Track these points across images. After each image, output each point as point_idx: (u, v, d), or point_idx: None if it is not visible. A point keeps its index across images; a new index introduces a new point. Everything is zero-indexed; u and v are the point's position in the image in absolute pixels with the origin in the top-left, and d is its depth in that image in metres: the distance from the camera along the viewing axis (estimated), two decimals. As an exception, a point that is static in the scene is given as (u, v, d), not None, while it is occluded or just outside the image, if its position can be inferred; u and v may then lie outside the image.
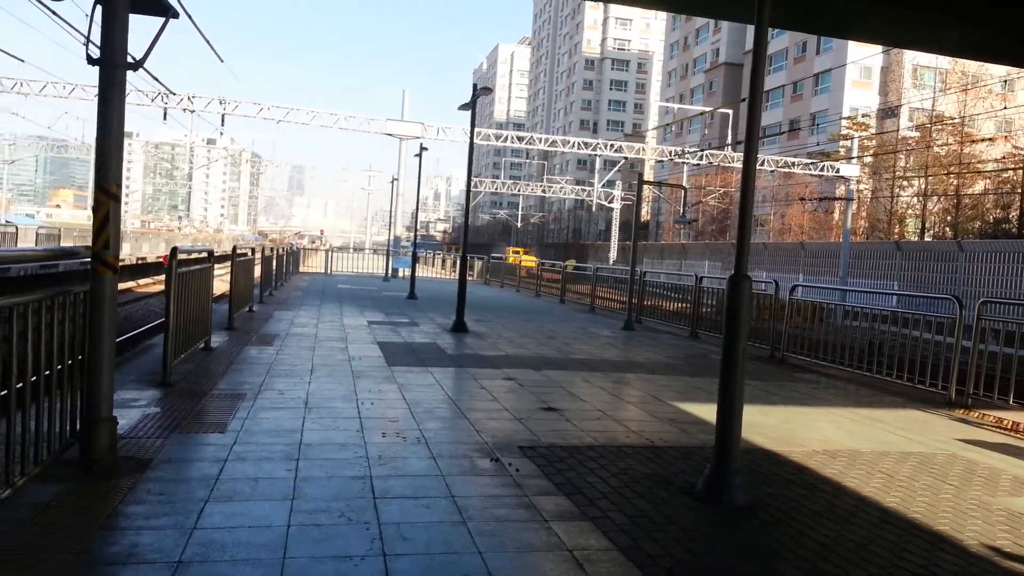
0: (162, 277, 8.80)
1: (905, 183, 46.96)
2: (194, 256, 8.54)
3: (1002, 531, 4.28)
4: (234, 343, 9.63)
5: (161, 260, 37.50)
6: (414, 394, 7.10)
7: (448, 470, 4.76)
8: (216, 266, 9.30)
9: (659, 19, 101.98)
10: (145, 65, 4.93)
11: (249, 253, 14.25)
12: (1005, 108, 37.38)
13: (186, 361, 7.76)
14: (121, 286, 26.77)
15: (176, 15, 4.98)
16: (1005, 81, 44.61)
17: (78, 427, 4.49)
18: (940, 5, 9.18)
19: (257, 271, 15.44)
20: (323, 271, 31.94)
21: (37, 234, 36.12)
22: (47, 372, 4.05)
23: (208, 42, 15.29)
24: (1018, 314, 11.27)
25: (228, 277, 11.70)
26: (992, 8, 9.27)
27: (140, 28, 5.24)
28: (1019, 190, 40.61)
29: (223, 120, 33.72)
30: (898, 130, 47.55)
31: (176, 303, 6.97)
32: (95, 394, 4.39)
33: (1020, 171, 40.57)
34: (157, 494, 4.02)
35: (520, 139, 43.13)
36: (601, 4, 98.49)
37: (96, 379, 4.39)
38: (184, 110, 33.21)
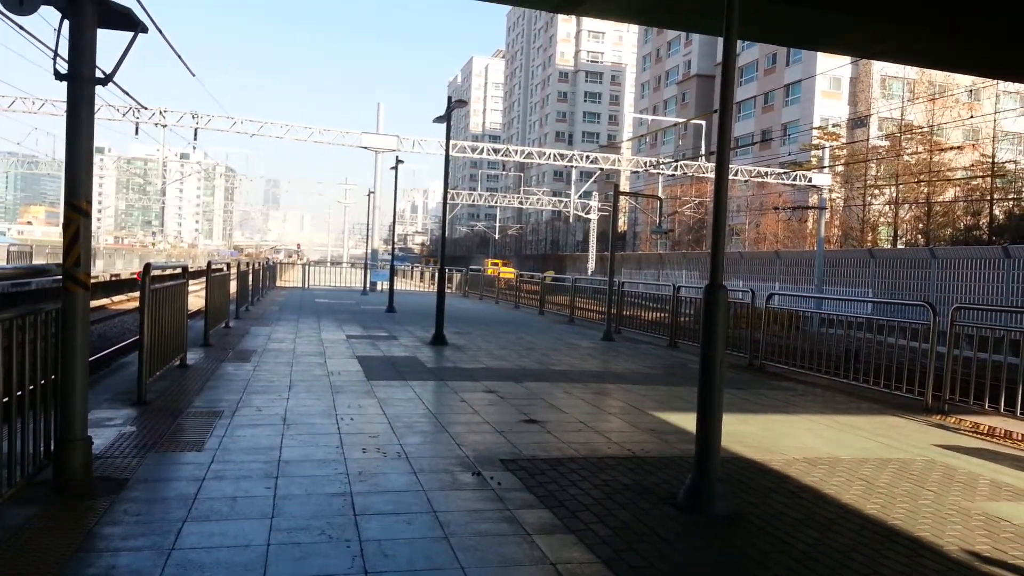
0: (136, 294, 8.71)
1: (877, 191, 47.65)
2: (168, 272, 8.46)
3: (981, 536, 4.32)
4: (210, 360, 9.52)
5: (135, 276, 37.07)
6: (394, 409, 7.05)
7: (429, 485, 4.72)
8: (191, 282, 9.21)
9: (631, 32, 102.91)
10: (115, 79, 4.89)
11: (224, 268, 14.12)
12: (972, 117, 38.15)
13: (162, 379, 7.66)
14: (95, 303, 26.42)
15: (145, 30, 4.93)
16: (971, 91, 45.48)
17: (52, 448, 4.41)
18: (907, 19, 9.37)
19: (233, 286, 15.30)
20: (300, 285, 31.73)
21: (8, 251, 35.58)
22: (19, 392, 3.97)
23: (179, 56, 15.20)
24: (991, 319, 11.48)
25: (203, 293, 11.58)
26: (956, 22, 9.47)
27: (110, 42, 5.19)
28: (988, 197, 41.37)
29: (196, 134, 33.46)
30: (868, 139, 48.28)
31: (150, 320, 6.88)
32: (69, 414, 4.31)
33: (988, 178, 41.33)
34: (134, 514, 3.95)
35: (496, 151, 43.23)
36: (574, 17, 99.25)
37: (70, 399, 4.32)
38: (156, 124, 32.94)
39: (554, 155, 43.54)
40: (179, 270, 9.16)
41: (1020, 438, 7.05)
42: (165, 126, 33.13)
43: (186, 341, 9.00)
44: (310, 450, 5.40)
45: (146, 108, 31.15)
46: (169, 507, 4.09)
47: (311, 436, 5.81)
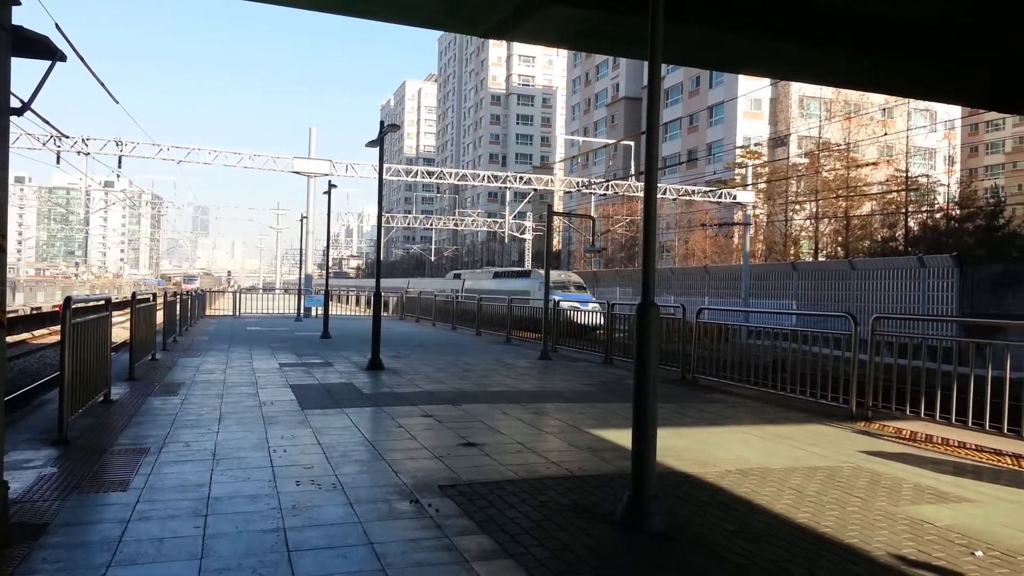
0: (58, 327, 8.38)
1: (798, 207, 49.35)
2: (91, 304, 8.17)
3: (906, 540, 4.48)
4: (136, 394, 9.20)
5: (57, 310, 35.64)
6: (329, 438, 6.93)
7: (366, 516, 4.65)
8: (116, 313, 8.90)
9: (561, 56, 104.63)
10: (34, 108, 4.72)
11: (151, 298, 13.68)
12: (886, 134, 39.88)
13: (84, 416, 7.36)
14: (15, 338, 25.28)
15: (64, 58, 4.79)
16: (884, 109, 47.64)
17: (-38, 495, 4.18)
18: (820, 42, 9.78)
19: (160, 316, 14.84)
20: (232, 313, 30.96)
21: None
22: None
23: (102, 83, 14.79)
24: (909, 328, 11.95)
25: (128, 324, 11.20)
26: (868, 44, 9.94)
27: (29, 68, 5.02)
28: (903, 210, 43.26)
29: (120, 162, 32.42)
30: (788, 157, 50.03)
31: (72, 355, 6.61)
32: (-19, 459, 4.10)
33: (903, 192, 43.24)
34: (54, 561, 3.77)
35: (430, 174, 43.21)
36: (504, 42, 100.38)
37: (-18, 443, 4.11)
38: (79, 153, 31.82)
39: (488, 177, 43.75)
40: (102, 302, 8.85)
41: (940, 441, 7.35)
42: (88, 154, 32.02)
43: (110, 375, 8.69)
44: (241, 485, 5.26)
45: (68, 136, 30.08)
46: (92, 552, 3.92)
47: (242, 471, 5.66)
